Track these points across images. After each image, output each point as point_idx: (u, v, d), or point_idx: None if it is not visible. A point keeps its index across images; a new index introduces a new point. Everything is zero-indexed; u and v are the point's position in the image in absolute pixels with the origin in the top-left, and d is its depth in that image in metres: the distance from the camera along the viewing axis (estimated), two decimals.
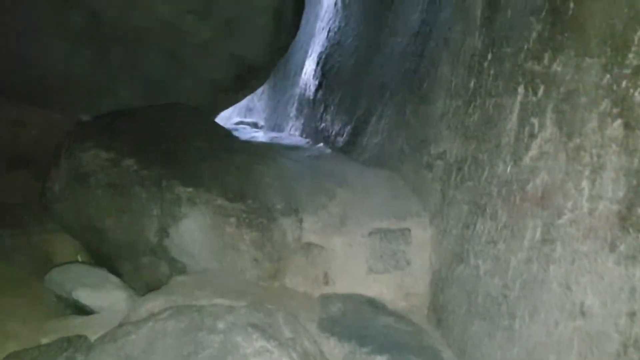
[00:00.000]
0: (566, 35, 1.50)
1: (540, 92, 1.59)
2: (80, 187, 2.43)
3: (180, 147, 2.55)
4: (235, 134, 4.83)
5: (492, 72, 1.92)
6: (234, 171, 2.43)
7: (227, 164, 2.48)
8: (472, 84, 2.06)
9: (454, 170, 2.12)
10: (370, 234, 2.22)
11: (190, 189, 2.27)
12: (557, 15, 1.55)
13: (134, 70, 3.62)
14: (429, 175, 2.32)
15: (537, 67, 1.62)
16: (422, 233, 2.22)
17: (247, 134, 4.76)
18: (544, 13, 1.62)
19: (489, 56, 1.94)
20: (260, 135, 4.69)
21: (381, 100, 3.08)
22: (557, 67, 1.52)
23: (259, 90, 6.13)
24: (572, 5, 1.49)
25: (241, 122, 6.62)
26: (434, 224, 2.22)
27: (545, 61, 1.58)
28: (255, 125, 6.52)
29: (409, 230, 2.22)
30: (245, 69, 3.76)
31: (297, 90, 4.94)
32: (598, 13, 1.38)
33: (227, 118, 6.84)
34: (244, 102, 6.52)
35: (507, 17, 1.84)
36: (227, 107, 4.33)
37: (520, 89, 1.70)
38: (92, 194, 2.39)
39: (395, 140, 2.75)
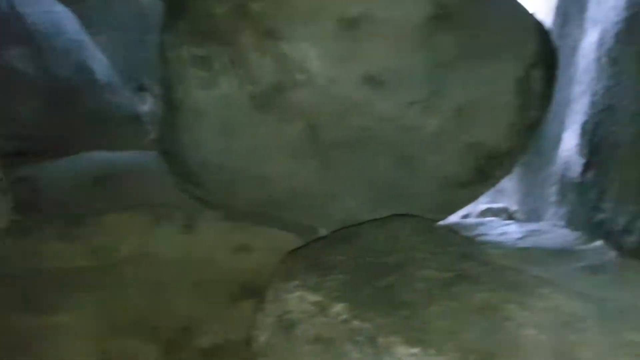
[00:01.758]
0: None
1: None
2: (286, 339, 1.97)
3: (403, 280, 1.94)
4: (481, 230, 4.06)
5: None
6: (476, 317, 1.71)
7: (466, 304, 1.77)
8: None
9: None
10: None
11: (415, 350, 1.61)
12: None
13: (359, 175, 3.22)
14: None
15: None
16: None
17: (495, 230, 3.94)
18: None
19: None
20: (513, 231, 3.81)
21: None
22: None
23: None
24: None
25: (489, 210, 5.77)
26: None
27: None
28: (505, 211, 5.60)
29: None
30: (485, 158, 3.06)
31: (556, 169, 4.00)
32: None
33: (472, 205, 6.07)
34: None
35: None
36: (468, 204, 3.64)
37: None
38: (299, 350, 1.91)
39: None
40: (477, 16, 2.77)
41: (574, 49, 4.07)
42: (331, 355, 1.79)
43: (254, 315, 2.20)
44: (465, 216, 5.83)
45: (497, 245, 3.05)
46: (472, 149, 3.02)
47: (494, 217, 5.53)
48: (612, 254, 2.67)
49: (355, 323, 1.77)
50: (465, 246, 2.32)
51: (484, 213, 5.69)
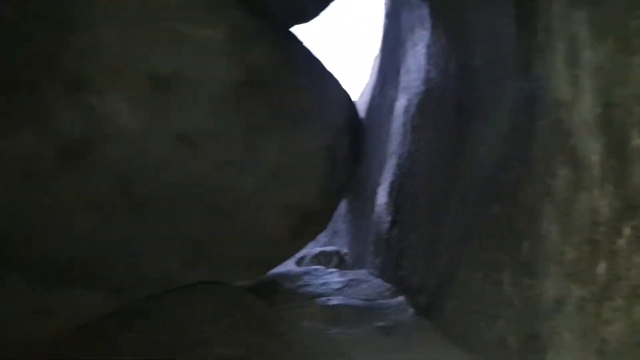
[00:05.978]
0: None
1: None
2: None
3: None
4: (306, 279, 4.18)
5: (636, 259, 1.11)
6: None
7: None
8: (602, 269, 1.25)
9: None
10: None
11: None
12: None
13: (175, 234, 3.12)
14: None
15: None
16: None
17: (318, 279, 4.08)
18: None
19: (627, 231, 1.15)
20: (333, 281, 3.98)
21: (466, 255, 2.29)
22: None
23: (343, 211, 5.55)
24: None
25: (322, 253, 5.99)
26: None
27: None
28: (337, 254, 5.85)
29: None
30: (300, 217, 3.15)
31: (374, 221, 4.26)
32: None
33: (311, 245, 6.25)
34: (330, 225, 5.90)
35: None
36: (286, 259, 3.70)
37: None
38: None
39: (494, 322, 1.92)
40: (289, 84, 2.87)
41: (391, 108, 4.39)
42: None
43: None
44: (302, 258, 5.98)
45: (309, 302, 3.14)
46: (287, 209, 3.09)
47: (327, 259, 5.76)
48: (410, 311, 2.87)
49: None
50: (265, 316, 2.33)
51: (318, 256, 5.90)
